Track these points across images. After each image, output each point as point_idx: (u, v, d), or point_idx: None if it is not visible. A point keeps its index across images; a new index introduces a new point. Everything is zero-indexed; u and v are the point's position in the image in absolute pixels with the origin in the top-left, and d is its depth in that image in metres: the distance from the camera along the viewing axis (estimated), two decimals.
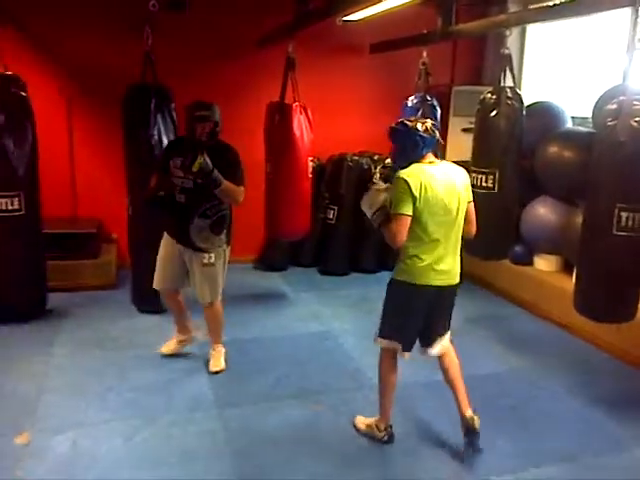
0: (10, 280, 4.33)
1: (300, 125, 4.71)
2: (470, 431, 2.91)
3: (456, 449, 3.00)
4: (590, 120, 4.59)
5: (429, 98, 4.99)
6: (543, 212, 4.81)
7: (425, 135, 2.76)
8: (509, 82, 4.22)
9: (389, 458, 2.95)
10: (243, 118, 5.64)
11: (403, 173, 2.71)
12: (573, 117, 5.11)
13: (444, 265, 2.82)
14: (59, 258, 4.89)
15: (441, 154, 5.25)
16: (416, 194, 2.66)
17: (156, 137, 4.32)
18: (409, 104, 5.02)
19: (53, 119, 5.28)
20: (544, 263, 5.04)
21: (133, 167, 4.42)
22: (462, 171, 2.92)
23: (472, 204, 2.95)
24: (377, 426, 3.07)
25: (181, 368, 3.83)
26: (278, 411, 3.34)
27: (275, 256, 5.96)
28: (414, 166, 2.75)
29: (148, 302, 4.65)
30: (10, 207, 4.19)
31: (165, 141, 4.36)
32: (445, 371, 3.05)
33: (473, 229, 3.00)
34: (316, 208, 5.60)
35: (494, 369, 3.91)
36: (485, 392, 3.57)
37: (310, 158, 4.86)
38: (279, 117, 4.69)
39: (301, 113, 4.73)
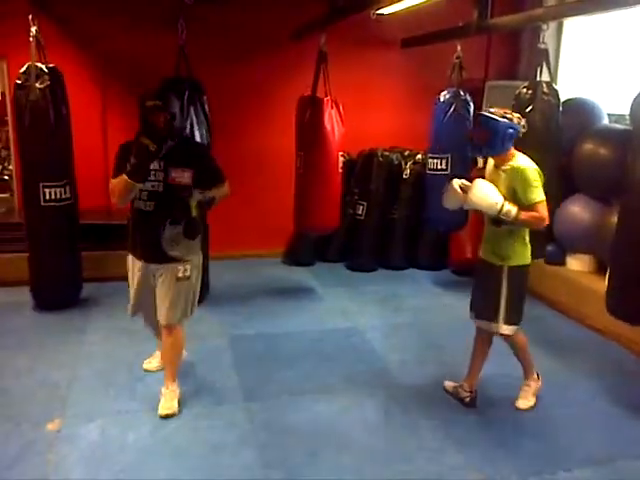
0: (49, 269, 4.43)
1: (331, 119, 4.69)
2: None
3: (484, 446, 2.97)
4: (627, 117, 4.47)
5: (462, 93, 4.92)
6: (577, 211, 4.72)
7: (517, 127, 3.00)
8: (545, 77, 4.14)
9: (415, 455, 2.92)
10: (275, 112, 5.67)
11: (528, 163, 3.02)
12: (610, 114, 4.99)
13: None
14: (93, 249, 4.98)
15: None
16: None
17: (188, 130, 4.36)
18: (442, 99, 4.95)
19: (89, 110, 5.36)
20: (577, 263, 4.94)
21: None
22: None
23: None
24: (462, 386, 3.40)
25: (209, 360, 3.86)
26: (304, 405, 3.35)
27: (303, 251, 5.96)
28: (525, 156, 3.05)
29: None
30: (63, 196, 4.31)
31: (197, 133, 4.40)
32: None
33: None
34: (345, 203, 5.58)
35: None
36: (514, 393, 3.52)
37: (340, 153, 4.84)
38: (310, 111, 4.67)
39: (332, 107, 4.71)
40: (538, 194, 2.94)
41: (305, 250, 5.94)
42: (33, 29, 4.06)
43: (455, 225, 5.17)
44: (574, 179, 4.76)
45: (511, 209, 2.92)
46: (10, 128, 5.27)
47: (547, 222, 2.98)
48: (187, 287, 3.13)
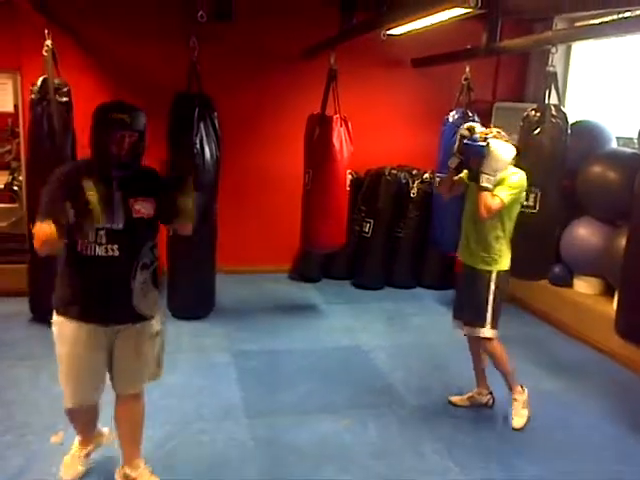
0: (47, 279, 4.43)
1: (340, 137, 4.73)
2: None
3: (486, 468, 2.94)
4: (636, 141, 4.49)
5: (470, 114, 4.95)
6: (584, 233, 4.72)
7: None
8: (553, 100, 4.16)
9: (417, 477, 2.89)
10: (284, 129, 5.70)
11: (518, 170, 3.15)
12: (618, 137, 5.00)
13: None
14: None
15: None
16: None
17: (198, 146, 4.40)
18: (450, 119, 4.99)
19: None
20: (584, 285, 4.92)
21: (175, 174, 4.50)
22: None
23: None
24: (479, 392, 3.52)
25: (213, 374, 3.85)
26: (307, 424, 3.33)
27: (309, 267, 5.96)
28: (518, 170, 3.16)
29: (182, 307, 4.71)
30: None
31: (207, 149, 4.43)
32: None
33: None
34: (352, 221, 5.60)
35: (529, 391, 3.82)
36: None
37: (348, 171, 4.86)
38: (319, 129, 4.71)
39: (341, 125, 4.75)
40: (506, 194, 3.04)
41: (311, 267, 5.95)
42: (48, 42, 4.12)
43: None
44: (581, 201, 4.76)
45: (490, 179, 3.01)
46: (22, 140, 5.33)
47: (485, 215, 3.03)
48: (161, 341, 2.59)
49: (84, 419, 2.63)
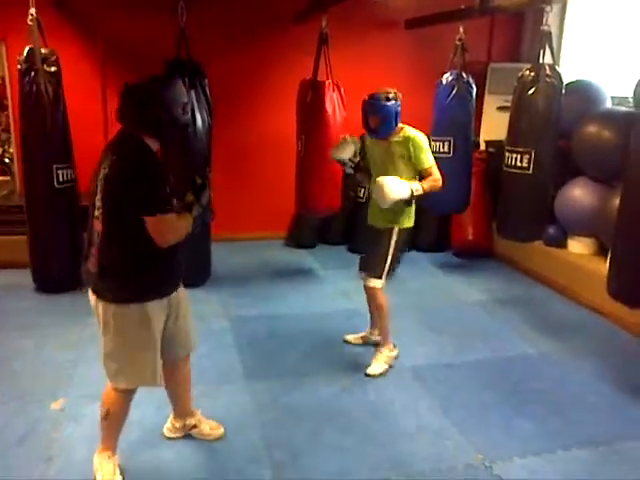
0: (51, 252, 4.46)
1: (333, 103, 4.69)
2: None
3: (484, 427, 3.01)
4: (630, 100, 4.46)
5: (464, 75, 4.90)
6: (579, 194, 4.72)
7: (399, 102, 3.29)
8: (548, 59, 4.12)
9: (414, 436, 2.96)
10: (276, 95, 5.65)
11: (414, 131, 3.33)
12: (613, 96, 4.97)
13: None
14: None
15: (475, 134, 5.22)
16: None
17: (189, 113, 4.34)
18: (444, 82, 4.94)
19: (88, 94, 5.34)
20: (578, 246, 4.95)
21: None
22: None
23: None
24: (390, 349, 3.60)
25: (211, 340, 3.89)
26: (305, 386, 3.38)
27: (304, 233, 5.97)
28: (407, 127, 3.35)
29: (185, 277, 4.72)
30: (70, 177, 4.38)
31: (199, 117, 4.39)
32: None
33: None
34: (346, 186, 5.58)
35: (523, 351, 3.89)
36: (513, 374, 3.56)
37: (341, 135, 4.82)
38: (312, 94, 4.67)
39: (334, 90, 4.70)
40: (430, 158, 3.28)
41: (307, 232, 5.96)
42: (32, 11, 4.03)
43: (457, 208, 5.19)
44: (576, 162, 4.75)
45: (418, 187, 3.22)
46: (11, 111, 5.27)
47: (441, 183, 3.28)
48: None
49: (130, 404, 2.57)
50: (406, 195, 3.18)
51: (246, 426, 2.98)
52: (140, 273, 2.34)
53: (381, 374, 3.49)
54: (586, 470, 2.73)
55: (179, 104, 2.35)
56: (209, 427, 2.88)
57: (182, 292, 2.60)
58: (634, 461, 2.82)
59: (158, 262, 2.37)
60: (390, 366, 3.56)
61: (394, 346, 3.62)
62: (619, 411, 3.23)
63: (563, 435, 2.99)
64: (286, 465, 2.71)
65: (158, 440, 2.85)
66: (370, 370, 3.49)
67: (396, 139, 3.32)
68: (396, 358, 3.62)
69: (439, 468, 2.72)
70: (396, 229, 3.39)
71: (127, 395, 2.51)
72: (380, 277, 3.44)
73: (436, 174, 3.29)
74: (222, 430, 2.90)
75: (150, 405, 3.03)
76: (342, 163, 3.61)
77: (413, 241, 5.95)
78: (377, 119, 3.29)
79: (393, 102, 3.27)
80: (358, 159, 3.55)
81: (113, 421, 2.54)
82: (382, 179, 3.19)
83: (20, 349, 3.69)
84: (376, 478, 2.65)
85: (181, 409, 2.84)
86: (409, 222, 3.42)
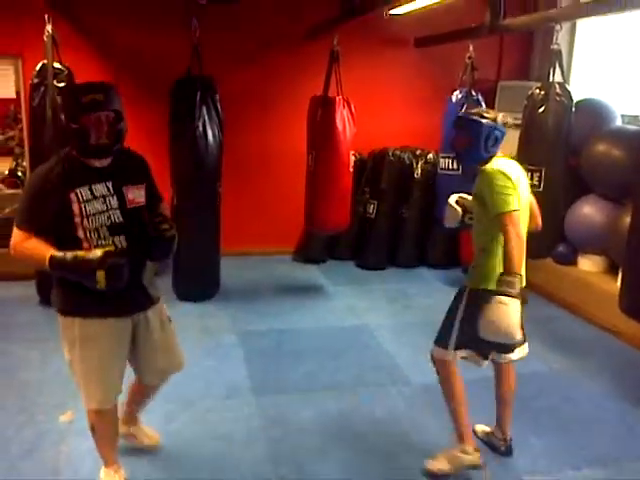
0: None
1: (343, 119, 4.71)
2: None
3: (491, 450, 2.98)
4: None
5: (474, 93, 4.93)
6: (589, 211, 4.71)
7: (502, 129, 2.53)
8: (558, 78, 4.13)
9: (422, 454, 2.93)
10: (287, 111, 5.69)
11: (497, 166, 2.47)
12: (623, 115, 4.97)
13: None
14: None
15: None
16: (517, 190, 2.44)
17: (201, 129, 4.39)
18: (454, 99, 4.96)
19: None
20: (589, 263, 4.92)
21: (178, 158, 4.51)
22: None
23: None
24: (463, 451, 2.71)
25: (219, 354, 3.89)
26: (312, 402, 3.37)
27: (313, 249, 5.98)
28: (499, 160, 2.53)
29: (188, 289, 4.75)
30: None
31: (210, 132, 4.43)
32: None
33: (539, 220, 2.83)
34: (356, 202, 5.60)
35: (534, 369, 3.84)
36: (524, 392, 3.50)
37: (352, 152, 4.86)
38: (322, 111, 4.70)
39: (344, 107, 4.73)
40: (504, 203, 2.39)
41: (315, 248, 5.97)
42: (48, 28, 4.11)
43: (466, 225, 5.18)
44: (586, 179, 4.75)
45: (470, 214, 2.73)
46: (24, 126, 5.33)
47: (516, 243, 2.37)
48: (173, 328, 2.56)
49: (113, 420, 2.49)
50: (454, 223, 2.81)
51: (252, 441, 2.97)
52: (69, 284, 2.18)
53: (438, 475, 2.73)
54: None
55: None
56: (147, 437, 2.82)
57: (152, 317, 2.41)
58: None
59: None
60: (454, 471, 2.72)
61: (474, 450, 2.73)
62: (629, 430, 3.20)
63: (572, 454, 2.96)
64: None
65: (162, 453, 2.83)
66: (429, 464, 2.76)
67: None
68: (475, 468, 2.73)
69: None
70: (467, 289, 2.68)
71: (100, 421, 2.42)
72: (444, 345, 2.69)
73: (509, 226, 2.37)
74: (158, 438, 2.83)
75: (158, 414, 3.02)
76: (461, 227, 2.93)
77: (423, 257, 5.96)
78: (461, 139, 2.58)
79: (487, 122, 2.49)
80: (470, 215, 2.79)
81: (100, 436, 2.47)
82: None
83: (27, 361, 3.70)
84: None
85: (129, 416, 2.76)
86: (486, 283, 2.55)
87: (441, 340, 2.70)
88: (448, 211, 2.87)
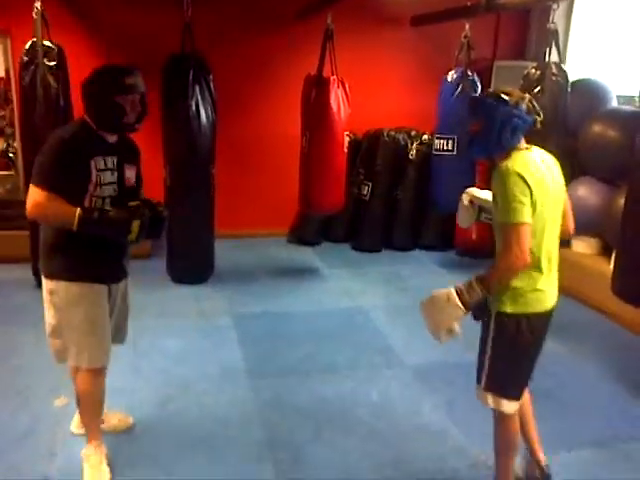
0: (45, 248, 4.43)
1: (337, 99, 4.66)
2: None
3: (487, 427, 2.99)
4: (636, 99, 4.44)
5: (470, 73, 4.88)
6: (584, 193, 4.70)
7: (527, 117, 2.08)
8: (554, 58, 4.10)
9: (417, 436, 2.95)
10: (280, 91, 5.63)
11: (513, 165, 2.03)
12: (619, 95, 4.94)
13: (553, 284, 2.29)
14: None
15: None
16: (536, 196, 2.02)
17: (194, 109, 4.34)
18: (449, 79, 4.92)
19: None
20: (583, 245, 4.93)
21: (170, 138, 4.46)
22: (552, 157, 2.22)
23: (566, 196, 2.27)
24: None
25: (214, 337, 3.89)
26: (308, 384, 3.37)
27: (308, 231, 5.96)
28: (519, 155, 2.07)
29: (182, 272, 4.73)
30: None
31: (203, 112, 4.37)
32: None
33: (571, 224, 2.35)
34: (350, 183, 5.57)
35: None
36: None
37: (346, 133, 4.82)
38: (316, 91, 4.65)
39: (339, 87, 4.68)
40: (513, 213, 2.00)
41: (310, 230, 5.95)
42: (37, 4, 4.02)
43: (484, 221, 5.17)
44: (581, 161, 4.73)
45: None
46: (15, 105, 5.25)
47: (522, 260, 2.01)
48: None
49: (103, 383, 2.54)
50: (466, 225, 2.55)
51: (248, 424, 2.97)
52: (64, 250, 2.34)
53: None
54: (590, 471, 2.73)
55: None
56: (117, 419, 2.85)
57: (121, 286, 2.61)
58: (637, 462, 2.81)
59: (76, 244, 2.30)
60: None
61: None
62: (623, 411, 3.22)
63: (567, 436, 2.98)
64: (289, 464, 2.69)
65: (159, 436, 2.84)
66: None
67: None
68: None
69: (441, 468, 2.71)
70: (493, 314, 2.19)
71: (94, 381, 2.49)
72: (485, 388, 2.28)
73: (513, 243, 2.00)
74: (131, 420, 2.88)
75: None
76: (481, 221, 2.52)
77: (417, 239, 5.95)
78: (474, 124, 2.15)
79: (506, 107, 2.05)
80: (485, 215, 2.46)
81: (90, 402, 2.52)
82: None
83: (21, 344, 3.68)
84: (378, 478, 2.64)
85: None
86: (514, 305, 2.15)
87: (479, 378, 2.31)
88: (461, 211, 2.54)
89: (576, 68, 5.36)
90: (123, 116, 2.27)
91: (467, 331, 3.52)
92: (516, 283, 2.13)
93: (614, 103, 4.88)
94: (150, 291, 4.54)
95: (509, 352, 2.21)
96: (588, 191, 4.67)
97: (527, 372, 2.33)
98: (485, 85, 5.26)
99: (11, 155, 5.89)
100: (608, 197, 4.44)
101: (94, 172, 2.25)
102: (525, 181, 2.00)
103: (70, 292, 2.35)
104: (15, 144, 5.56)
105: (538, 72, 4.08)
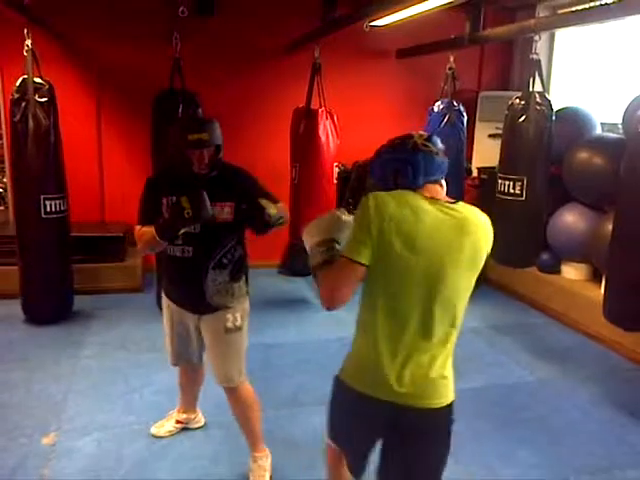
0: (42, 282, 4.42)
1: (326, 130, 4.72)
2: None
3: (481, 456, 2.96)
4: (620, 126, 4.52)
5: (455, 104, 4.96)
6: (571, 219, 4.75)
7: (425, 153, 1.78)
8: (538, 87, 4.18)
9: None
10: (269, 123, 5.68)
11: (376, 193, 1.73)
12: (603, 123, 5.03)
13: (412, 365, 1.73)
14: (86, 261, 4.97)
15: (467, 161, 5.20)
16: (387, 233, 1.63)
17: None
18: (435, 110, 4.99)
19: (83, 124, 5.37)
20: (572, 271, 4.95)
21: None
22: (487, 222, 1.78)
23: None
24: None
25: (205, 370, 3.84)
26: (300, 417, 3.33)
27: (299, 261, 5.94)
28: (400, 191, 1.74)
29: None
30: (61, 208, 4.33)
31: None
32: None
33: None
34: None
35: (521, 379, 3.86)
36: (511, 402, 3.53)
37: (335, 163, 4.86)
38: (305, 122, 4.70)
39: (327, 118, 4.74)
40: (348, 246, 1.71)
41: (301, 260, 5.93)
42: (28, 42, 4.07)
43: None
44: (567, 188, 4.79)
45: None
46: (5, 141, 5.27)
47: (334, 296, 1.69)
48: (238, 339, 2.65)
49: (183, 379, 3.02)
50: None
51: (240, 458, 2.92)
52: (163, 274, 2.77)
53: None
54: None
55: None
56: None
57: (212, 322, 2.64)
58: None
59: (164, 269, 2.72)
60: None
61: None
62: (618, 438, 3.20)
63: (561, 464, 2.95)
64: None
65: (148, 475, 2.78)
66: None
67: None
68: None
69: None
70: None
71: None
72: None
73: (331, 272, 1.75)
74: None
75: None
76: None
77: None
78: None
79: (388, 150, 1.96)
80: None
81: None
82: None
83: (9, 381, 3.62)
84: None
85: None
86: (346, 360, 2.01)
87: None
88: (327, 222, 2.06)
89: (560, 97, 5.46)
90: (190, 167, 2.45)
91: (458, 362, 3.50)
92: (356, 336, 1.90)
93: (598, 130, 4.96)
94: (141, 324, 4.51)
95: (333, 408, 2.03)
96: (575, 217, 4.71)
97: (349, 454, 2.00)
98: (470, 115, 5.35)
99: (1, 191, 5.89)
100: (595, 223, 4.49)
101: (164, 209, 2.44)
102: (372, 210, 1.68)
103: (163, 300, 2.75)
104: (5, 179, 5.57)
105: (522, 102, 4.15)
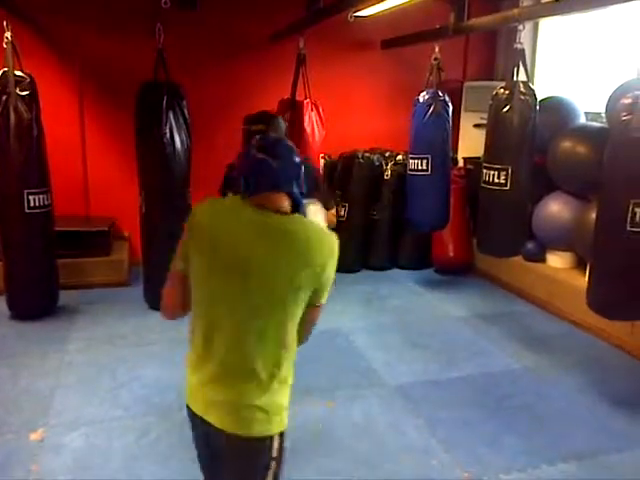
0: (26, 277, 4.38)
1: (311, 122, 4.72)
2: None
3: (469, 444, 2.99)
4: (604, 115, 4.55)
5: (441, 94, 4.96)
6: (556, 208, 4.78)
7: (263, 159, 1.63)
8: (522, 77, 4.19)
9: (401, 456, 2.94)
10: None
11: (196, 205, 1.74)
12: (586, 112, 5.06)
13: (213, 385, 1.67)
14: (71, 256, 4.93)
15: (453, 152, 5.17)
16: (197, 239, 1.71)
17: (168, 135, 4.33)
18: (421, 100, 5.00)
19: (66, 118, 5.31)
20: (557, 260, 5.00)
21: (145, 165, 4.45)
22: (328, 242, 1.68)
23: (319, 305, 1.79)
24: None
25: None
26: (290, 408, 3.33)
27: None
28: (213, 199, 1.77)
29: (159, 299, 4.67)
30: (45, 203, 4.28)
31: (177, 138, 4.38)
32: None
33: (302, 335, 1.83)
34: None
35: (507, 367, 3.89)
36: (498, 390, 3.56)
37: (321, 155, 4.85)
38: (290, 114, 4.69)
39: (312, 110, 4.73)
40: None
41: None
42: (7, 34, 4.01)
43: (437, 225, 5.22)
44: (552, 177, 4.82)
45: None
46: None
47: (163, 306, 1.86)
48: None
49: None
50: None
51: None
52: None
53: None
54: None
55: None
56: None
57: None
58: (618, 474, 2.83)
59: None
60: None
61: None
62: (603, 424, 3.24)
63: (548, 450, 2.99)
64: None
65: (137, 470, 2.78)
66: None
67: None
68: None
69: None
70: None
71: None
72: None
73: None
74: None
75: None
76: None
77: (395, 259, 5.98)
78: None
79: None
80: None
81: None
82: None
83: None
84: None
85: None
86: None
87: None
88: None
89: (544, 86, 5.49)
90: None
91: (446, 351, 3.52)
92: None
93: (582, 119, 5.00)
94: (127, 318, 4.49)
95: None
96: (560, 206, 4.75)
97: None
98: (456, 105, 5.36)
99: None
100: (579, 211, 4.52)
101: None
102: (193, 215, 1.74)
103: None
104: None
105: (507, 91, 4.16)
